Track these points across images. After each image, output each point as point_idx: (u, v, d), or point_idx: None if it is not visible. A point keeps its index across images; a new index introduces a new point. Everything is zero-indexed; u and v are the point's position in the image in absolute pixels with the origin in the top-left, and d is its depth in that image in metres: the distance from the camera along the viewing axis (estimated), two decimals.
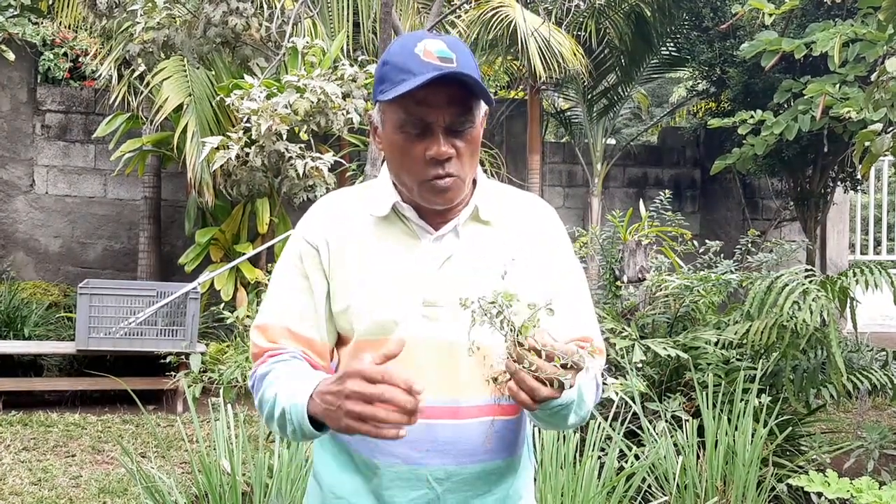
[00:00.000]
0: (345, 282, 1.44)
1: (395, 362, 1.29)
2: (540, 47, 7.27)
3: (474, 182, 1.50)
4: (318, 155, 5.78)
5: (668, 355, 4.03)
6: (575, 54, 7.51)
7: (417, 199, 1.43)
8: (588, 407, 1.43)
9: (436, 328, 1.40)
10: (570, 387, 1.24)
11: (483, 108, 1.43)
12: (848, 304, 4.31)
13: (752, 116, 5.15)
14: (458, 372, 1.40)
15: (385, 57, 1.40)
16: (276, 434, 1.43)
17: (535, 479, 3.01)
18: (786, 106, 5.41)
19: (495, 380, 1.25)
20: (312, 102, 5.25)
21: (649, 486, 3.53)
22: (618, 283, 4.89)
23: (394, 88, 1.35)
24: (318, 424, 1.31)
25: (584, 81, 8.69)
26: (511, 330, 1.22)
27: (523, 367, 1.21)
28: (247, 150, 5.67)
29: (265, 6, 6.06)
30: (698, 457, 3.59)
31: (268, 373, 1.42)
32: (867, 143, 3.75)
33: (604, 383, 3.99)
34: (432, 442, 1.40)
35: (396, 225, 1.46)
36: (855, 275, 4.21)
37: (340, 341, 1.50)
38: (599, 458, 3.24)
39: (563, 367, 1.22)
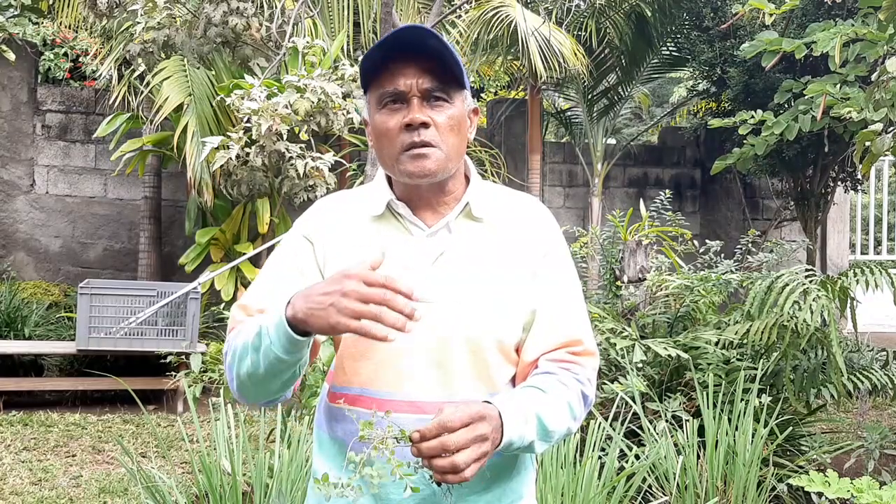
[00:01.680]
0: None
1: (387, 360, 1.37)
2: (540, 47, 7.27)
3: (467, 179, 1.52)
4: (318, 155, 5.78)
5: (669, 355, 4.03)
6: (575, 54, 7.51)
7: (399, 177, 1.45)
8: (557, 428, 1.41)
9: (429, 324, 1.39)
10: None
11: (465, 96, 1.47)
12: (848, 304, 4.31)
13: (752, 116, 5.15)
14: (453, 367, 1.41)
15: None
16: (246, 382, 1.35)
17: (535, 480, 3.02)
18: (786, 106, 5.42)
19: (438, 483, 1.26)
20: (313, 102, 5.26)
21: (649, 486, 3.53)
22: (618, 283, 4.89)
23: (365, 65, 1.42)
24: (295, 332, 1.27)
25: (585, 81, 8.69)
26: (397, 441, 1.23)
27: (432, 457, 1.22)
28: (247, 150, 5.68)
29: (265, 6, 6.06)
30: (698, 457, 3.59)
31: (239, 331, 1.41)
32: (867, 143, 3.75)
33: (602, 385, 4.01)
34: None
35: (391, 222, 1.48)
36: (855, 275, 4.21)
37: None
38: (600, 458, 3.23)
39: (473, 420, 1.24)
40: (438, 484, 1.25)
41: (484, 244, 1.47)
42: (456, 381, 1.41)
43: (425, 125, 1.41)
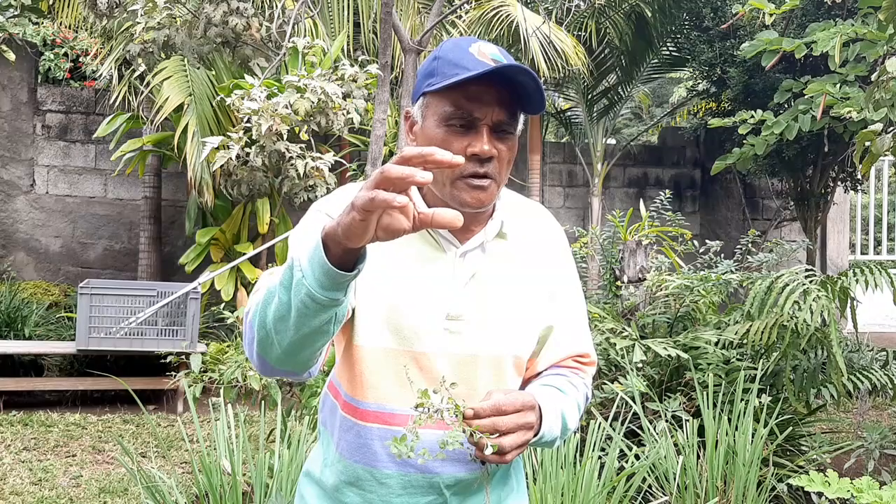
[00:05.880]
0: (366, 285, 1.39)
1: (414, 377, 1.35)
2: (542, 45, 7.27)
3: None
4: (318, 155, 5.79)
5: (669, 355, 4.03)
6: (577, 53, 7.51)
7: (448, 200, 1.37)
8: (573, 427, 1.46)
9: (457, 341, 1.40)
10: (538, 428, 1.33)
11: (521, 119, 1.41)
12: (848, 304, 4.31)
13: (752, 116, 5.15)
14: (477, 384, 1.40)
15: (437, 53, 1.39)
16: (271, 332, 1.20)
17: (535, 479, 3.02)
18: (786, 106, 5.42)
19: (481, 462, 1.29)
20: (313, 102, 5.26)
21: (649, 486, 3.54)
22: (618, 283, 4.89)
23: (447, 80, 1.32)
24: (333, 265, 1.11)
25: (585, 81, 8.69)
26: (454, 415, 1.25)
27: (478, 434, 1.25)
28: (247, 150, 5.68)
29: (266, 6, 6.06)
30: (698, 457, 3.59)
31: (267, 281, 1.28)
32: (867, 143, 3.75)
33: (602, 385, 4.01)
34: (449, 451, 1.39)
35: (422, 235, 1.42)
36: (855, 275, 4.21)
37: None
38: (600, 458, 3.24)
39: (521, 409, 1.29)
40: (482, 463, 1.28)
41: (510, 262, 1.45)
42: (477, 397, 1.38)
43: (491, 158, 1.36)
